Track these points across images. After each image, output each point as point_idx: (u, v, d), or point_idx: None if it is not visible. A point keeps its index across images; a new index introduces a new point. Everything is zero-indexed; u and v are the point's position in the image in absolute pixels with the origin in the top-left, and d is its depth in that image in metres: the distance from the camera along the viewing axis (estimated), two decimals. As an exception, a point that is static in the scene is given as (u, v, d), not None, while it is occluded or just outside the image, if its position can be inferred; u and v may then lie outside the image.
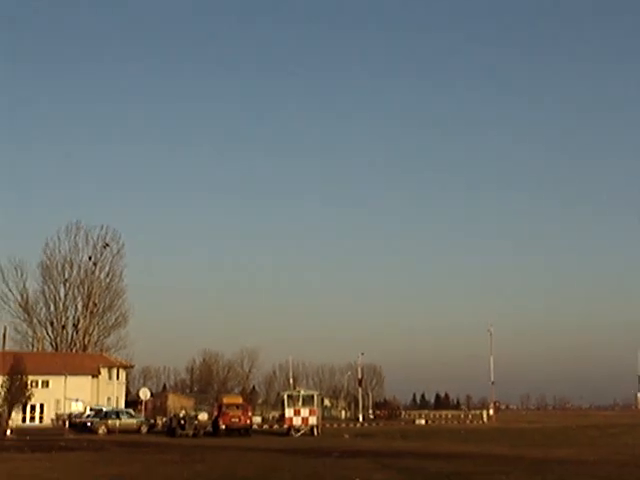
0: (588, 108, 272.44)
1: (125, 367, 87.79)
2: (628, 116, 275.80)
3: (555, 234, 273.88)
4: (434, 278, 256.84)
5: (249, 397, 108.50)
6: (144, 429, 55.76)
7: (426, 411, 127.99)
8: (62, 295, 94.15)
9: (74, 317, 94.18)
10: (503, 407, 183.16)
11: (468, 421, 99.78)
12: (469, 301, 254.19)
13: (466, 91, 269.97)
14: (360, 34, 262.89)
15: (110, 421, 54.85)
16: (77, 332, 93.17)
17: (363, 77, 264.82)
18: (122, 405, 77.84)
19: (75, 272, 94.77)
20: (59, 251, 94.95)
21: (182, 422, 51.37)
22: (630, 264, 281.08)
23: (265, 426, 72.58)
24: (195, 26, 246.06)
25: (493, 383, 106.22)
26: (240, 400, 59.60)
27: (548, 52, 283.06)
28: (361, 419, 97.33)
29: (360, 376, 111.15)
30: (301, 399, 54.23)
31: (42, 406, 74.18)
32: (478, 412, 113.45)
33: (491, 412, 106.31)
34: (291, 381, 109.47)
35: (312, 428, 52.92)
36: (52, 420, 71.58)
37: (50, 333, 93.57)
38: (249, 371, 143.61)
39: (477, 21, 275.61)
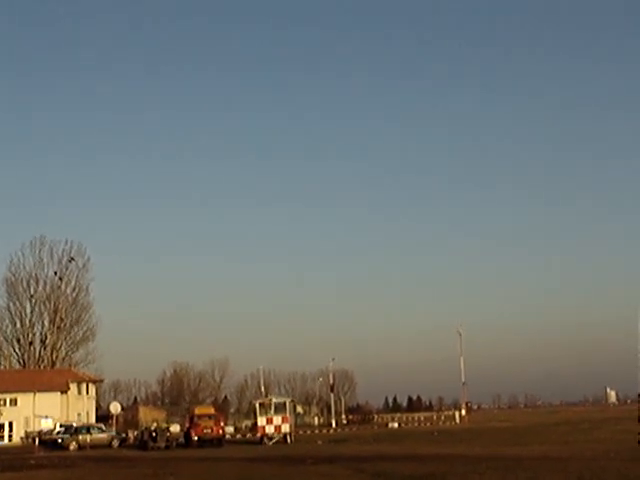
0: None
1: (94, 381, 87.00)
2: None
3: (523, 235, 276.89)
4: (402, 281, 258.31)
5: (221, 407, 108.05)
6: (115, 443, 55.23)
7: (399, 414, 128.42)
8: (28, 311, 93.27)
9: (41, 333, 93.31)
10: (475, 407, 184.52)
11: (441, 422, 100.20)
12: (438, 303, 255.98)
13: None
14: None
15: (81, 437, 54.31)
16: (45, 348, 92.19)
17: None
18: (93, 420, 77.11)
19: (41, 287, 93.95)
20: (24, 267, 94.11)
21: (154, 435, 50.97)
22: (596, 264, 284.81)
23: (238, 435, 72.35)
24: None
25: (464, 384, 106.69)
26: (212, 410, 59.29)
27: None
28: (334, 425, 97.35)
29: (332, 382, 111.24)
30: (273, 407, 54.07)
31: (11, 424, 73.36)
32: (450, 413, 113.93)
33: (463, 412, 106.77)
34: (263, 389, 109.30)
35: (285, 436, 52.78)
36: (22, 438, 70.74)
37: (17, 350, 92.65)
38: (220, 381, 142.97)
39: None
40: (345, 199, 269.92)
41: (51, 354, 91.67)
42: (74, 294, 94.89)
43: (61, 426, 61.78)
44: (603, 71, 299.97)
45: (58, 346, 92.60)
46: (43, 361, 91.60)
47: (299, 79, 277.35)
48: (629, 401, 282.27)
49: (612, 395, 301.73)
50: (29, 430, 70.56)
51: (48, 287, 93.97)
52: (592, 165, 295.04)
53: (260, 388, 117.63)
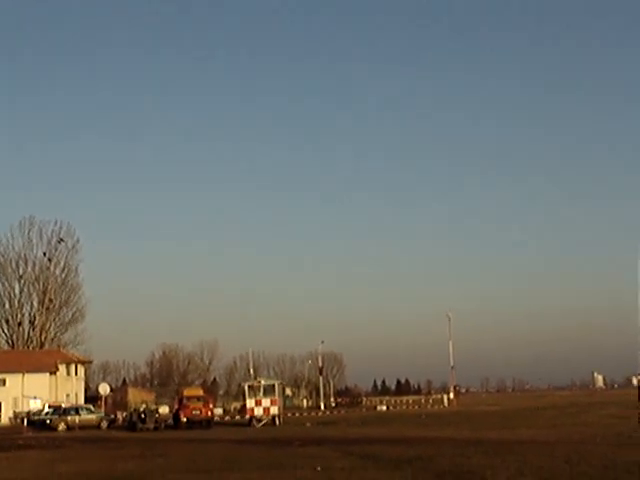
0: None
1: (83, 363, 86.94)
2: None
3: (510, 221, 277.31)
4: (392, 264, 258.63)
5: (210, 389, 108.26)
6: (104, 424, 55.24)
7: (387, 397, 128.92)
8: (17, 292, 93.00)
9: (30, 314, 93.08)
10: (463, 391, 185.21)
11: (429, 406, 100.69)
12: (427, 287, 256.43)
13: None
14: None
15: (69, 417, 54.32)
16: (33, 329, 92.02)
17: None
18: (81, 401, 77.09)
19: (30, 268, 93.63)
20: (13, 247, 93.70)
21: (143, 416, 51.00)
22: (583, 250, 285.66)
23: (227, 417, 72.53)
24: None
25: (453, 367, 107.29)
26: (201, 392, 59.40)
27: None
28: (323, 407, 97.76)
29: (321, 364, 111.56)
30: (262, 389, 54.11)
31: (-1, 405, 73.27)
32: (439, 396, 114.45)
33: (451, 396, 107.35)
34: (252, 372, 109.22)
35: (274, 418, 52.87)
36: (10, 419, 70.65)
37: (6, 331, 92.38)
38: (209, 363, 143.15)
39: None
40: (336, 186, 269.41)
41: (40, 335, 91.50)
42: (63, 275, 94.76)
43: (50, 407, 61.72)
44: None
45: (47, 327, 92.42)
46: (32, 342, 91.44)
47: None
48: (616, 385, 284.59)
49: (599, 379, 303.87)
50: (17, 411, 70.44)
51: (37, 268, 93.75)
52: (579, 148, 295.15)
53: (249, 370, 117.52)
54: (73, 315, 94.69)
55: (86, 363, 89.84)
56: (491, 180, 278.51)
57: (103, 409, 63.14)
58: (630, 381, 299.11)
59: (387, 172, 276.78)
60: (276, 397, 53.96)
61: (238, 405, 79.92)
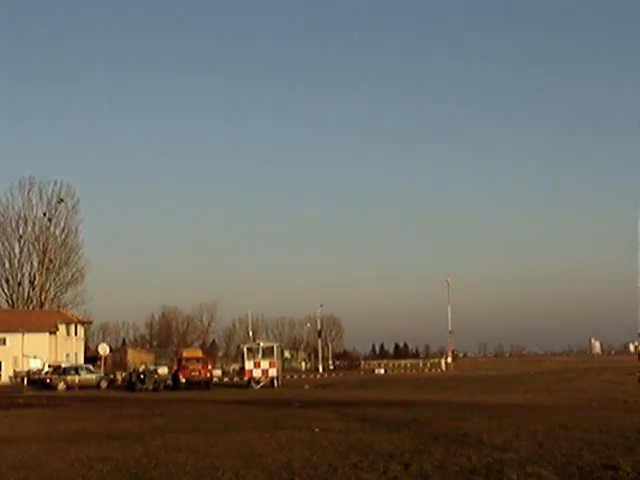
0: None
1: (83, 323, 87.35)
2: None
3: (510, 186, 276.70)
4: (391, 228, 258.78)
5: (209, 351, 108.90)
6: (104, 384, 55.60)
7: (385, 361, 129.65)
8: (17, 252, 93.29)
9: (30, 274, 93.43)
10: (461, 355, 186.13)
11: (427, 370, 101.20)
12: (426, 252, 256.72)
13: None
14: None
15: (69, 377, 54.64)
16: (33, 289, 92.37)
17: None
18: (81, 361, 77.57)
19: (30, 228, 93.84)
20: (12, 207, 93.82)
21: (142, 376, 51.33)
22: (582, 215, 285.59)
23: (225, 379, 72.91)
24: None
25: (451, 332, 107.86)
26: (200, 354, 59.71)
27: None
28: (321, 370, 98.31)
29: (319, 328, 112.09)
30: (261, 351, 54.42)
31: (0, 364, 73.66)
32: (436, 361, 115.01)
33: (449, 360, 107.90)
34: (250, 334, 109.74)
35: (272, 380, 53.22)
36: (10, 377, 71.13)
37: (6, 290, 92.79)
38: (208, 325, 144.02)
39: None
40: (340, 151, 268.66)
41: (40, 295, 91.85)
42: (63, 235, 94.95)
43: (49, 366, 62.13)
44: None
45: (47, 287, 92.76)
46: (32, 302, 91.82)
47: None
48: (613, 352, 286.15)
49: (597, 346, 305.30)
50: (18, 370, 70.95)
51: (37, 228, 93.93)
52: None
53: (248, 333, 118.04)
54: (73, 275, 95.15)
55: (86, 323, 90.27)
56: (492, 136, 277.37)
57: (102, 369, 63.57)
58: (627, 347, 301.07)
59: (386, 131, 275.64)
60: (274, 359, 54.29)
61: (237, 367, 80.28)
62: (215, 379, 63.61)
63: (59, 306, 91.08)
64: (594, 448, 14.32)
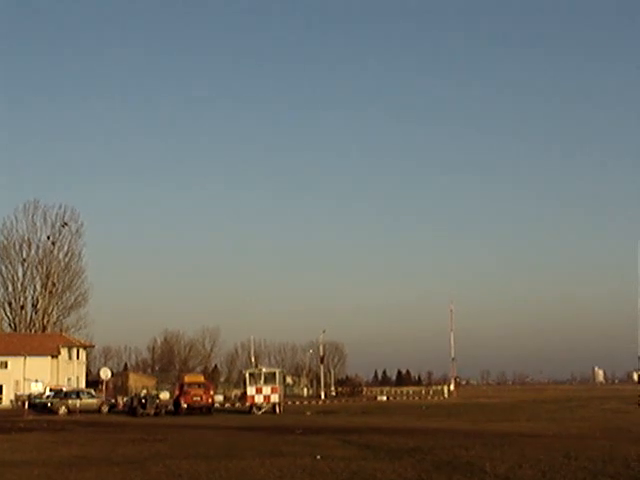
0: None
1: (85, 347, 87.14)
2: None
3: (513, 214, 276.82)
4: (396, 255, 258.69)
5: (211, 376, 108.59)
6: (105, 409, 55.30)
7: (388, 387, 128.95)
8: (20, 275, 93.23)
9: (33, 297, 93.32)
10: (464, 383, 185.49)
11: (429, 397, 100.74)
12: (429, 279, 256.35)
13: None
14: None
15: (70, 401, 54.39)
16: (36, 312, 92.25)
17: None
18: (82, 385, 77.30)
19: (33, 252, 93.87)
20: (17, 230, 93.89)
21: (143, 401, 51.10)
22: (584, 243, 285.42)
23: (227, 404, 72.67)
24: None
25: (454, 359, 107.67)
26: (202, 379, 59.58)
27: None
28: (323, 396, 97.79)
29: (322, 354, 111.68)
30: (263, 377, 54.19)
31: (1, 387, 73.57)
32: (439, 388, 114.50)
33: (452, 387, 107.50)
34: (253, 359, 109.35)
35: (274, 406, 52.97)
36: (11, 401, 70.88)
37: (8, 314, 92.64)
38: (211, 350, 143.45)
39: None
40: (342, 179, 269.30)
41: (42, 318, 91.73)
42: (67, 259, 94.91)
43: (51, 390, 61.91)
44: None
45: (50, 311, 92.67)
46: (34, 325, 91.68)
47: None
48: (616, 380, 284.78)
49: (600, 374, 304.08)
50: (19, 393, 70.70)
51: (41, 251, 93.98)
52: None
53: (250, 358, 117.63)
54: (76, 299, 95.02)
55: (88, 347, 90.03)
56: (494, 163, 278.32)
57: (104, 393, 63.31)
58: (631, 376, 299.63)
59: (390, 160, 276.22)
60: (277, 385, 54.06)
61: (239, 392, 79.96)
62: (217, 404, 63.40)
63: (61, 330, 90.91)
64: (597, 478, 14.24)
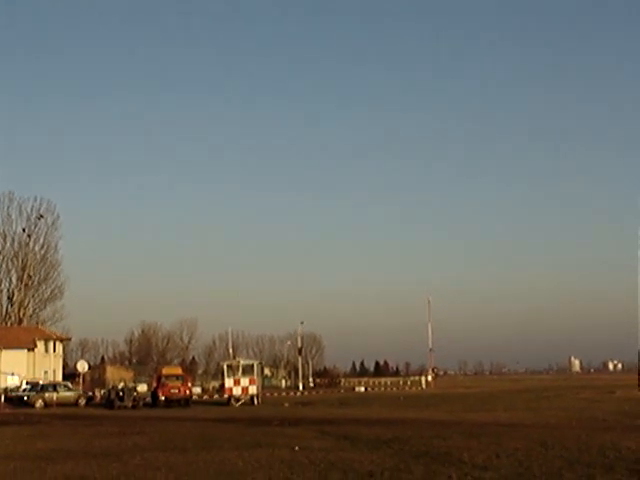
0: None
1: (62, 340, 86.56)
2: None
3: (491, 204, 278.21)
4: (372, 246, 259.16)
5: (189, 368, 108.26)
6: (82, 402, 54.98)
7: (365, 378, 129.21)
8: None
9: (8, 290, 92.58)
10: (441, 373, 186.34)
11: (407, 387, 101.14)
12: (407, 270, 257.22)
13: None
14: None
15: (47, 394, 54.02)
16: (12, 305, 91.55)
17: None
18: (59, 378, 76.72)
19: (9, 244, 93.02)
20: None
21: (121, 394, 50.87)
22: (564, 231, 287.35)
23: (205, 396, 72.54)
24: None
25: (431, 350, 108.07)
26: (179, 371, 59.42)
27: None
28: (301, 387, 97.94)
29: (300, 345, 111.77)
30: (241, 369, 54.20)
31: (-24, 381, 72.91)
32: (417, 378, 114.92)
33: (429, 378, 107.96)
34: (231, 351, 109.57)
35: (252, 397, 52.99)
36: (-13, 395, 70.34)
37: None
38: (188, 342, 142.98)
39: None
40: (323, 165, 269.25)
41: (18, 311, 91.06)
42: (42, 251, 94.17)
43: (27, 383, 61.51)
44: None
45: (25, 303, 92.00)
46: (10, 318, 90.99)
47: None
48: (592, 370, 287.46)
49: (576, 364, 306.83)
50: (-5, 387, 70.20)
51: (16, 244, 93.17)
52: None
53: (228, 350, 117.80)
54: (52, 292, 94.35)
55: (64, 340, 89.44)
56: (476, 152, 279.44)
57: (81, 386, 62.96)
58: (606, 365, 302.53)
59: (373, 159, 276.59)
60: (255, 377, 54.07)
61: (217, 384, 79.81)
62: (195, 397, 63.27)
63: (38, 322, 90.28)
64: (574, 467, 14.35)
